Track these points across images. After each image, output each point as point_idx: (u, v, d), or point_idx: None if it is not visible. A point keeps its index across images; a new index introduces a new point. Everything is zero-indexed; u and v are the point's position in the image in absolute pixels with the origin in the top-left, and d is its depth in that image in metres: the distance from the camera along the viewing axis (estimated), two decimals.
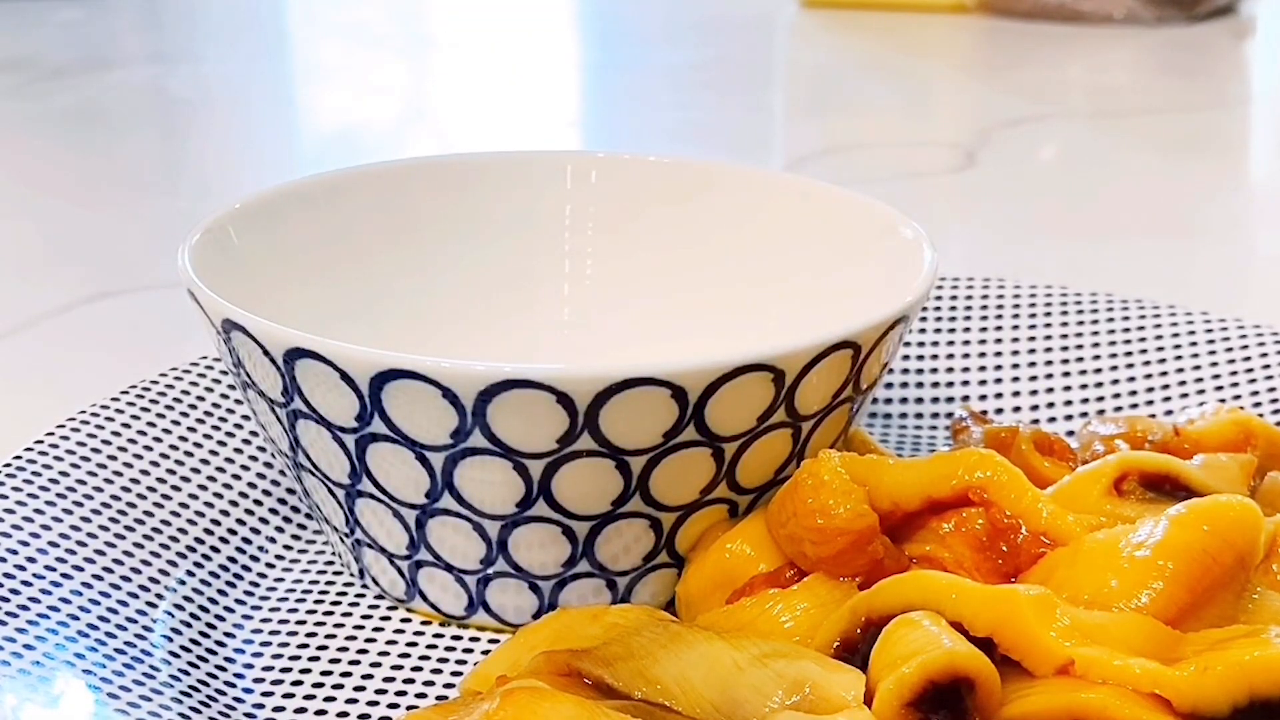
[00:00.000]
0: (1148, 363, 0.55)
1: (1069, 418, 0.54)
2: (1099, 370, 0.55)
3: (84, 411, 0.48)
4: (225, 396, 0.50)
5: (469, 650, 0.42)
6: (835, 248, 0.50)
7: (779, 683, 0.34)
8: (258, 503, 0.48)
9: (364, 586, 0.45)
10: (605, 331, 0.53)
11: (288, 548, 0.47)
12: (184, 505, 0.46)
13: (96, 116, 1.09)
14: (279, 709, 0.39)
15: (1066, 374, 0.55)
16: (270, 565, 0.46)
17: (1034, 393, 0.55)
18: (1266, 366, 0.54)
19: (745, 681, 0.34)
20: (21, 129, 1.06)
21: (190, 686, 0.39)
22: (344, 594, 0.45)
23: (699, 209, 0.53)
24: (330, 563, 0.46)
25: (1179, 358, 0.55)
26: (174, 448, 0.48)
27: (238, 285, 0.43)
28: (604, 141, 1.04)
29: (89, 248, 0.79)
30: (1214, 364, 0.54)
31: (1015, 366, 0.56)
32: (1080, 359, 0.56)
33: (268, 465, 0.49)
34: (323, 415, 0.40)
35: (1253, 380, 0.53)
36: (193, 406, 0.50)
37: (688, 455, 0.39)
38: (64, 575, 0.40)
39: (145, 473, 0.46)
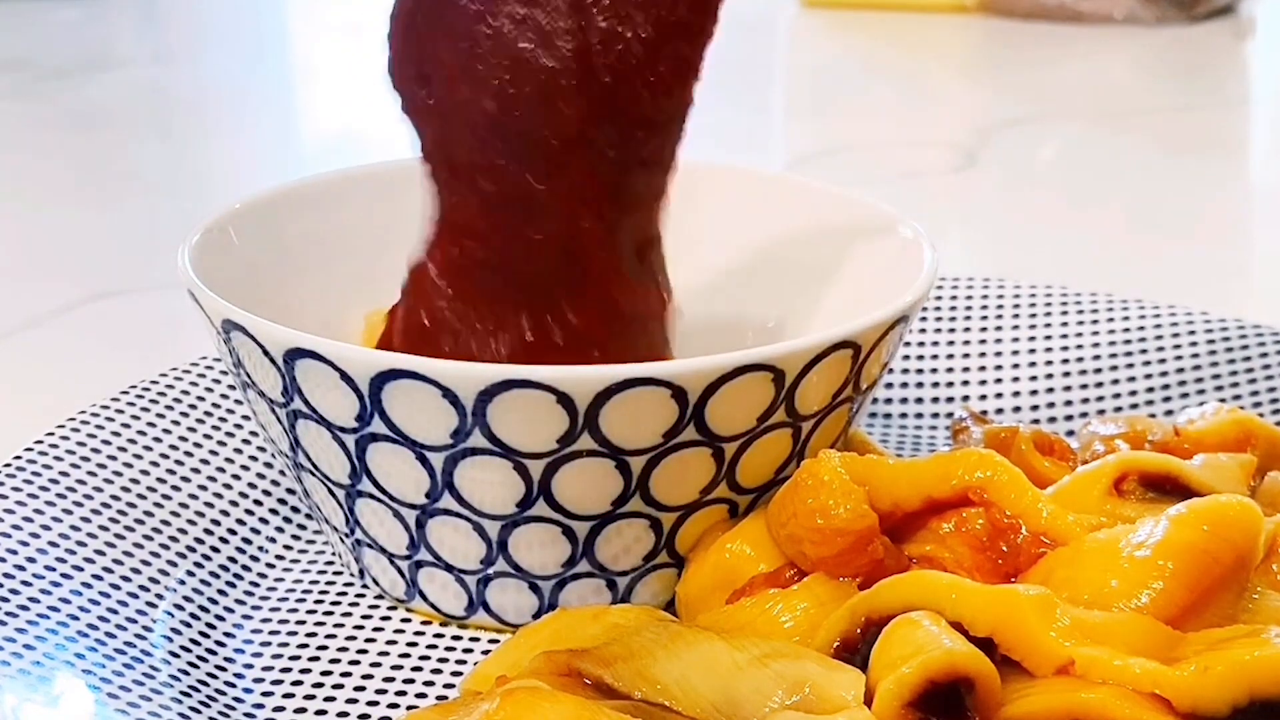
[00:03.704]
0: (1148, 363, 0.55)
1: (1069, 418, 0.54)
2: (1099, 370, 0.55)
3: (84, 411, 0.48)
4: (225, 396, 0.50)
5: (469, 650, 0.42)
6: (835, 248, 0.50)
7: (779, 683, 0.34)
8: (258, 503, 0.48)
9: (364, 586, 0.45)
10: None
11: (288, 548, 0.47)
12: (184, 505, 0.46)
13: (96, 116, 1.09)
14: (279, 709, 0.39)
15: (1066, 374, 0.55)
16: (270, 565, 0.46)
17: (1034, 393, 0.55)
18: (1266, 366, 0.54)
19: (745, 681, 0.34)
20: (21, 129, 1.06)
21: (190, 686, 0.39)
22: (344, 594, 0.45)
23: (699, 209, 0.53)
24: (330, 563, 0.46)
25: (1179, 358, 0.55)
26: (174, 448, 0.48)
27: (238, 285, 0.43)
28: None
29: (89, 248, 0.79)
30: (1214, 364, 0.54)
31: (1015, 366, 0.56)
32: (1080, 359, 0.56)
33: (268, 465, 0.49)
34: (323, 415, 0.40)
35: (1253, 380, 0.53)
36: (193, 406, 0.50)
37: (688, 455, 0.39)
38: (64, 575, 0.40)
39: (145, 473, 0.46)
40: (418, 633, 0.43)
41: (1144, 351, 0.55)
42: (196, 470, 0.47)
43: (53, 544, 0.42)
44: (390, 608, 0.44)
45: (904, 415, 0.55)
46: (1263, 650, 0.31)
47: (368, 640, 0.42)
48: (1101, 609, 0.34)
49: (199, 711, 0.38)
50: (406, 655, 0.42)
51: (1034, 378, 0.56)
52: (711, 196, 0.53)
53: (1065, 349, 0.56)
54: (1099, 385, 0.55)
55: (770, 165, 0.97)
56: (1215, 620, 0.34)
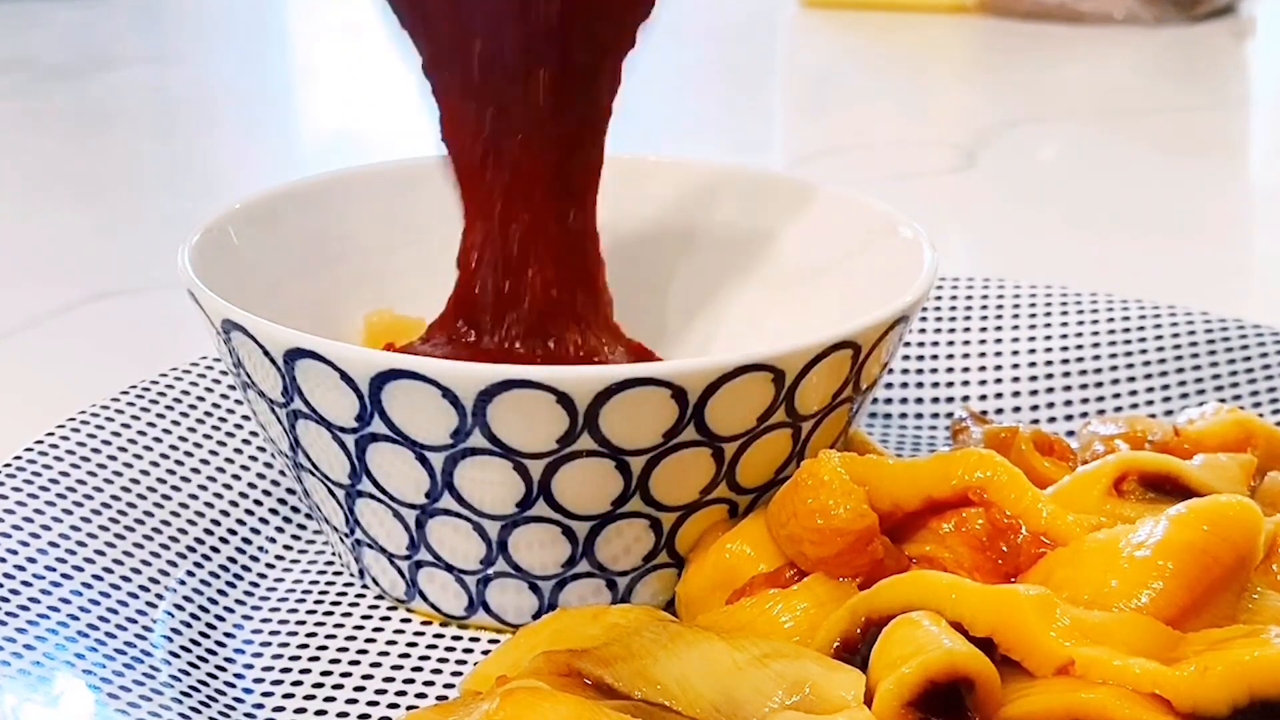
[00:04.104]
0: (1148, 363, 0.55)
1: (1069, 418, 0.54)
2: (1099, 370, 0.55)
3: (84, 411, 0.48)
4: (225, 396, 0.50)
5: (469, 650, 0.42)
6: (835, 248, 0.50)
7: (779, 683, 0.34)
8: (258, 503, 0.48)
9: (364, 586, 0.45)
10: None
11: (288, 548, 0.47)
12: (184, 505, 0.46)
13: (96, 116, 1.09)
14: (279, 709, 0.39)
15: (1066, 374, 0.55)
16: (270, 565, 0.46)
17: (1034, 393, 0.55)
18: (1266, 366, 0.54)
19: (745, 681, 0.34)
20: (21, 129, 1.06)
21: (190, 686, 0.39)
22: (344, 594, 0.45)
23: (699, 209, 0.53)
24: (330, 563, 0.46)
25: (1179, 358, 0.55)
26: (174, 448, 0.48)
27: (238, 285, 0.43)
28: None
29: (89, 248, 0.79)
30: (1214, 364, 0.54)
31: (1015, 366, 0.56)
32: (1080, 359, 0.56)
33: (268, 465, 0.49)
34: (323, 415, 0.40)
35: (1253, 380, 0.53)
36: (193, 406, 0.50)
37: (688, 455, 0.39)
38: (64, 575, 0.40)
39: (145, 473, 0.46)
40: (418, 633, 0.43)
41: (1144, 351, 0.55)
42: (196, 470, 0.47)
43: (53, 544, 0.42)
44: (390, 608, 0.44)
45: (904, 415, 0.55)
46: (1263, 650, 0.31)
47: (368, 640, 0.42)
48: (1101, 609, 0.34)
49: (199, 711, 0.38)
50: (406, 655, 0.42)
51: (1034, 378, 0.56)
52: (711, 196, 0.53)
53: (1065, 349, 0.56)
54: (1099, 385, 0.55)
55: (770, 165, 0.97)
56: (1215, 620, 0.34)
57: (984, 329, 0.57)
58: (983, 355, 0.57)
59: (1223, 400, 0.52)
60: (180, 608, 0.42)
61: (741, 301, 0.52)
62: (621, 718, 0.32)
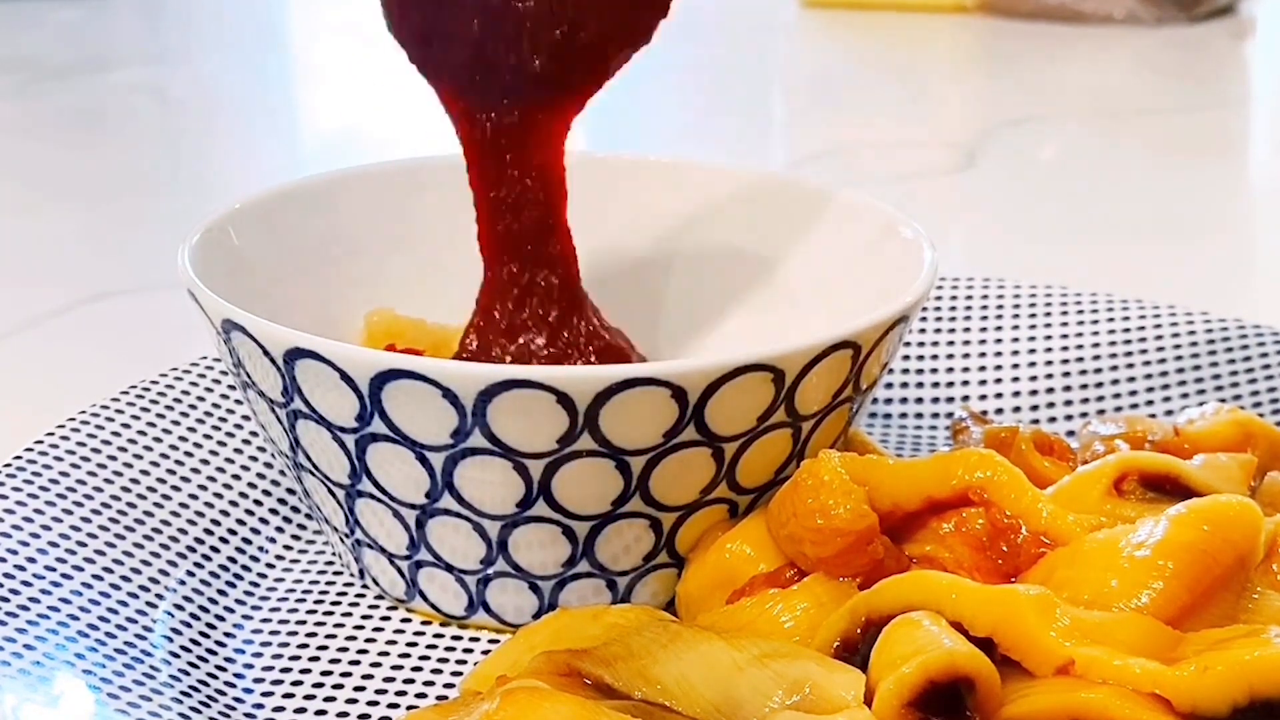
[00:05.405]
0: (1148, 363, 0.55)
1: (1069, 418, 0.54)
2: (1099, 370, 0.55)
3: (84, 411, 0.48)
4: (225, 396, 0.50)
5: (469, 650, 0.42)
6: (835, 248, 0.50)
7: (779, 683, 0.34)
8: (258, 503, 0.48)
9: (364, 586, 0.45)
10: None
11: (288, 548, 0.47)
12: (184, 505, 0.46)
13: (96, 117, 1.09)
14: (279, 709, 0.39)
15: (1066, 374, 0.55)
16: (270, 565, 0.46)
17: (1034, 393, 0.55)
18: (1266, 366, 0.54)
19: (745, 681, 0.34)
20: (21, 129, 1.06)
21: (190, 686, 0.39)
22: (344, 594, 0.45)
23: (699, 209, 0.53)
24: (330, 563, 0.46)
25: (1179, 358, 0.55)
26: (174, 448, 0.48)
27: (238, 285, 0.43)
28: (604, 142, 1.04)
29: (89, 248, 0.79)
30: (1214, 364, 0.54)
31: (1015, 366, 0.56)
32: (1080, 359, 0.56)
33: (268, 465, 0.49)
34: (323, 415, 0.40)
35: (1253, 380, 0.53)
36: (193, 406, 0.50)
37: (688, 455, 0.39)
38: (64, 575, 0.40)
39: (145, 473, 0.46)
40: (418, 633, 0.43)
41: (1144, 351, 0.55)
42: (196, 470, 0.47)
43: (53, 544, 0.42)
44: (390, 608, 0.44)
45: (904, 415, 0.55)
46: (1263, 650, 0.31)
47: (368, 640, 0.42)
48: (1101, 609, 0.34)
49: (199, 711, 0.38)
50: (406, 655, 0.42)
51: (1034, 378, 0.56)
52: (712, 197, 0.53)
53: (1065, 349, 0.56)
54: (1099, 385, 0.55)
55: (770, 165, 0.97)
56: (1215, 620, 0.34)
57: (984, 329, 0.57)
58: (983, 355, 0.57)
59: (1223, 400, 0.52)
60: (180, 608, 0.42)
61: (741, 301, 0.52)
62: (622, 718, 0.32)
